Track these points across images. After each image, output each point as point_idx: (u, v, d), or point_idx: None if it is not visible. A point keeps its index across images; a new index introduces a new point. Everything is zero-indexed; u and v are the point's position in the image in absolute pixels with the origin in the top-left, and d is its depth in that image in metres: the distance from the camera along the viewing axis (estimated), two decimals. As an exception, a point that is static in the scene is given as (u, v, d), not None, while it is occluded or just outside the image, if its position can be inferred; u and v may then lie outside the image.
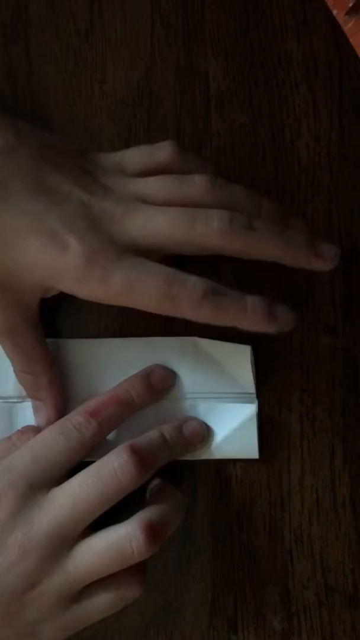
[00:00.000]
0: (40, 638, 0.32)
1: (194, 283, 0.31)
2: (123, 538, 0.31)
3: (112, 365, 0.37)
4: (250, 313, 0.32)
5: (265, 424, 0.38)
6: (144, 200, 0.33)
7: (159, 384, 0.36)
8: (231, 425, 0.36)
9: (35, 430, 0.35)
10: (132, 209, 0.32)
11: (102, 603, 0.32)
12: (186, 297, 0.31)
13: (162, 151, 0.34)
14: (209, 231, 0.32)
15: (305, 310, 0.38)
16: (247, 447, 0.37)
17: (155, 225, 0.32)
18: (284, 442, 0.38)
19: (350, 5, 0.37)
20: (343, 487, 0.37)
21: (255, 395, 0.37)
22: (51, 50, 0.39)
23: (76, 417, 0.33)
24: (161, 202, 0.33)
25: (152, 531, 0.31)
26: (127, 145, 0.38)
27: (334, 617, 0.37)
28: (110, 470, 0.32)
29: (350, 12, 0.38)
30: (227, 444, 0.36)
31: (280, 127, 0.38)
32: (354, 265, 0.38)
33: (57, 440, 0.33)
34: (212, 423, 0.37)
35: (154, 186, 0.33)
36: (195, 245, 0.32)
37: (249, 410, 0.37)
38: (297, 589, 0.37)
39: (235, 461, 0.37)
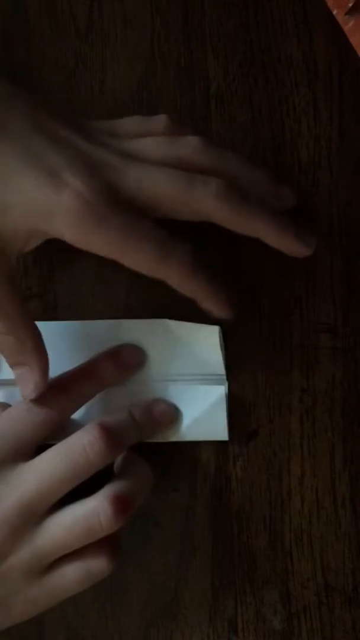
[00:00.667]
0: (10, 612, 0.32)
1: (187, 250, 0.32)
2: (91, 511, 0.31)
3: (83, 346, 0.37)
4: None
5: (265, 424, 0.38)
6: (140, 158, 0.32)
7: (129, 360, 0.37)
8: (201, 407, 0.37)
9: (3, 406, 0.35)
10: (130, 162, 0.32)
11: (70, 576, 0.32)
12: (178, 263, 0.32)
13: (157, 122, 0.34)
14: (206, 194, 0.32)
15: (305, 310, 0.38)
16: (217, 428, 0.37)
17: (154, 181, 0.32)
18: (284, 442, 0.38)
19: (351, 5, 0.37)
20: (343, 487, 0.37)
21: (225, 377, 0.37)
22: (51, 50, 0.39)
23: (44, 394, 0.33)
24: (156, 160, 0.33)
25: (120, 503, 0.31)
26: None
27: (334, 617, 0.37)
28: (80, 447, 0.32)
29: (351, 12, 0.38)
30: (197, 426, 0.37)
31: (280, 127, 0.38)
32: (354, 265, 0.38)
33: (24, 415, 0.33)
34: (182, 405, 0.37)
35: (149, 145, 0.33)
36: (189, 208, 0.32)
37: (219, 391, 0.37)
38: (297, 589, 0.37)
39: (235, 461, 0.37)
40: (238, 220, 0.33)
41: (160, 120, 0.34)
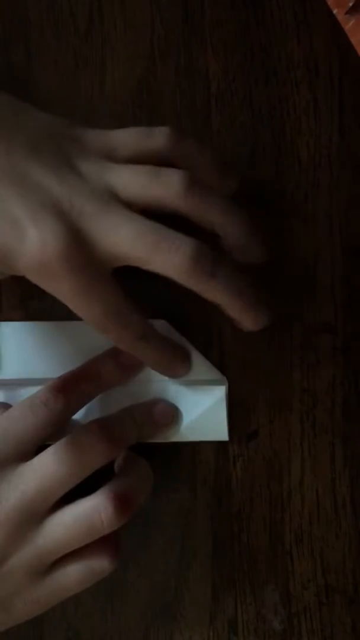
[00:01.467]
0: (12, 612, 0.32)
1: (139, 320, 0.33)
2: (92, 510, 0.31)
3: (83, 346, 0.37)
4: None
5: (266, 423, 0.37)
6: (117, 195, 0.32)
7: (129, 361, 0.36)
8: (201, 408, 0.37)
9: (4, 406, 0.35)
10: (103, 210, 0.31)
11: (72, 576, 0.32)
12: (129, 329, 0.33)
13: (158, 138, 0.34)
14: (173, 258, 0.31)
15: (305, 310, 0.38)
16: (217, 429, 0.37)
17: (120, 238, 0.31)
18: (284, 443, 0.37)
19: (351, 4, 0.37)
20: (343, 487, 0.37)
21: (225, 378, 0.37)
22: (51, 50, 0.39)
23: (44, 394, 0.34)
24: (133, 199, 0.32)
25: (121, 501, 0.32)
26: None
27: (334, 618, 0.37)
28: (80, 445, 0.32)
29: (351, 11, 0.38)
30: (197, 426, 0.37)
31: (280, 127, 0.38)
32: (354, 265, 0.38)
33: (25, 416, 0.33)
34: (182, 405, 0.37)
35: (129, 181, 0.32)
36: (153, 267, 0.32)
37: (219, 392, 0.37)
38: (297, 590, 0.37)
39: (235, 461, 0.37)
40: (203, 288, 0.32)
41: (162, 136, 0.34)
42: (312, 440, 0.37)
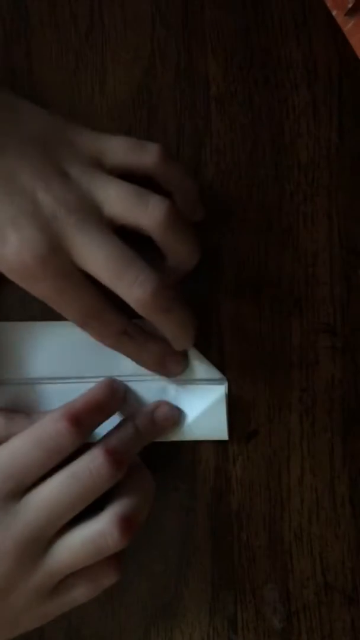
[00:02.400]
0: (18, 626, 0.32)
1: (115, 320, 0.34)
2: (98, 534, 0.32)
3: (83, 345, 0.37)
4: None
5: (265, 423, 0.38)
6: (100, 211, 0.33)
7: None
8: (201, 407, 0.37)
9: (5, 413, 0.35)
10: (81, 223, 0.32)
11: (79, 590, 0.33)
12: (105, 323, 0.34)
13: (148, 155, 0.34)
14: (139, 288, 0.32)
15: (305, 310, 0.38)
16: (217, 428, 0.37)
17: (91, 254, 0.32)
18: (283, 442, 0.38)
19: (350, 6, 0.37)
20: (343, 487, 0.37)
21: (224, 378, 0.37)
22: (51, 50, 0.38)
23: (54, 425, 0.32)
24: (115, 217, 0.33)
25: (127, 524, 0.32)
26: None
27: (334, 616, 0.37)
28: (86, 473, 0.32)
29: (350, 12, 0.38)
30: (197, 426, 0.37)
31: (280, 128, 0.38)
32: (353, 265, 0.38)
33: (31, 450, 0.32)
34: (182, 405, 0.37)
35: (115, 200, 0.33)
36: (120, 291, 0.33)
37: (219, 391, 0.37)
38: (297, 588, 0.37)
39: (235, 461, 0.37)
40: (156, 320, 0.34)
41: (152, 154, 0.34)
42: (312, 439, 0.38)
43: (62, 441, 0.32)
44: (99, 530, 0.32)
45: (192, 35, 0.39)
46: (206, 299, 0.38)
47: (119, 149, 0.34)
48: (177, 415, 0.37)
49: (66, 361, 0.37)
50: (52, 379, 0.37)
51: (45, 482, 0.32)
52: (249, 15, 0.39)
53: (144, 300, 0.32)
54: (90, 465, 0.32)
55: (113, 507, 0.32)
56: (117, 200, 0.33)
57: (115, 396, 0.36)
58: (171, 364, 0.36)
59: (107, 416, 0.35)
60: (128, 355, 0.36)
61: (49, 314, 0.37)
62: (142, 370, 0.37)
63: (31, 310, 0.37)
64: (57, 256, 0.32)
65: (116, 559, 0.33)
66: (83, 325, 0.34)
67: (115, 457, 0.32)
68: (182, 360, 0.37)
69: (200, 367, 0.37)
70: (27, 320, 0.37)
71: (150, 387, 0.37)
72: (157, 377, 0.37)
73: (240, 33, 0.39)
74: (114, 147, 0.35)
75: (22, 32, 0.39)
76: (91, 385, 0.36)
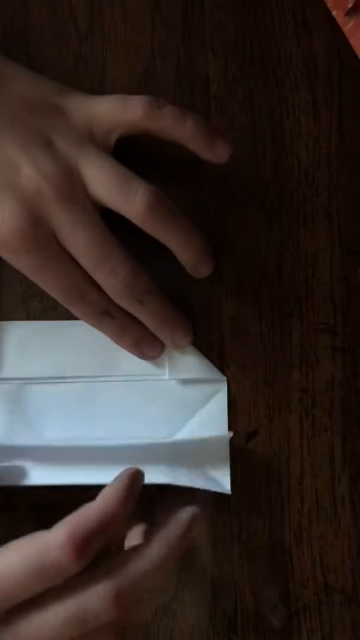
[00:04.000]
0: None
1: (96, 299, 0.34)
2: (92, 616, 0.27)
3: (83, 345, 0.37)
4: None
5: (265, 423, 0.38)
6: (85, 188, 0.33)
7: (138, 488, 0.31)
8: (201, 407, 0.37)
9: None
10: (65, 200, 0.32)
11: None
12: (87, 303, 0.34)
13: (133, 109, 0.34)
14: (108, 287, 0.33)
15: (305, 310, 0.38)
16: (218, 428, 0.37)
17: (73, 234, 0.33)
18: (283, 442, 0.38)
19: (350, 5, 0.37)
20: (343, 487, 0.37)
21: (225, 378, 0.37)
22: (51, 50, 0.38)
23: (58, 554, 0.27)
24: (98, 200, 0.33)
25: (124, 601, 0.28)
26: (127, 145, 0.38)
27: (334, 616, 0.37)
28: (92, 617, 0.27)
29: (350, 12, 0.38)
30: (197, 426, 0.37)
31: (280, 128, 0.38)
32: (353, 265, 0.38)
33: (27, 575, 0.27)
34: (182, 405, 0.37)
35: (98, 180, 0.33)
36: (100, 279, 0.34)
37: (219, 391, 0.37)
38: (297, 588, 0.37)
39: (235, 461, 0.37)
40: (131, 309, 0.35)
41: (137, 106, 0.33)
42: (312, 439, 0.38)
43: (64, 570, 0.27)
44: (95, 610, 0.28)
45: (192, 35, 0.39)
46: (206, 299, 0.37)
47: (106, 111, 0.34)
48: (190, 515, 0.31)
49: (66, 361, 0.37)
50: (52, 379, 0.37)
51: (40, 611, 0.27)
52: (249, 15, 0.39)
53: (119, 289, 0.33)
54: (97, 611, 0.27)
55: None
56: (100, 183, 0.33)
57: (132, 495, 0.29)
58: (147, 349, 0.36)
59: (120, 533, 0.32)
60: (107, 335, 0.36)
61: (49, 314, 0.37)
62: (142, 370, 0.37)
63: (32, 310, 0.37)
64: (37, 231, 0.32)
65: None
66: (65, 303, 0.34)
67: (126, 602, 0.28)
68: (159, 346, 0.36)
69: (201, 366, 0.37)
70: (28, 320, 0.37)
71: (150, 387, 0.37)
72: (157, 377, 0.37)
73: (240, 33, 0.39)
74: (101, 110, 0.34)
75: (22, 32, 0.39)
76: (91, 385, 0.36)
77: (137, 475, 0.30)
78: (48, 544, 0.27)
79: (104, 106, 0.34)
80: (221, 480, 0.36)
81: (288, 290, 0.38)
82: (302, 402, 0.38)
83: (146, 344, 0.36)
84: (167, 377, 0.37)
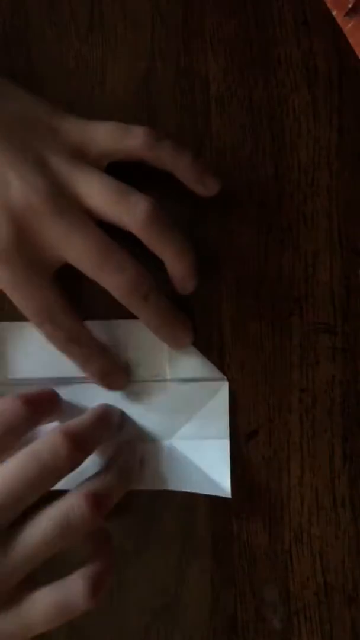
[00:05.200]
0: None
1: (67, 323, 0.34)
2: (72, 594, 0.32)
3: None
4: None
5: (265, 423, 0.38)
6: (79, 202, 0.33)
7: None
8: (201, 407, 0.37)
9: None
10: (56, 212, 0.32)
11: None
12: (56, 326, 0.34)
13: (135, 139, 0.34)
14: (117, 279, 0.33)
15: (305, 310, 0.38)
16: (218, 428, 0.37)
17: (68, 244, 0.33)
18: (283, 442, 0.38)
19: (350, 6, 0.37)
20: (343, 487, 0.37)
21: (225, 378, 0.37)
22: (51, 50, 0.38)
23: (53, 447, 0.32)
24: (95, 211, 0.33)
25: (99, 584, 0.32)
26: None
27: (334, 616, 0.37)
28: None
29: (350, 12, 0.38)
30: (198, 426, 0.37)
31: (280, 128, 0.38)
32: (354, 265, 0.38)
33: (29, 467, 0.32)
34: (182, 405, 0.37)
35: (96, 194, 0.33)
36: (99, 280, 0.34)
37: (219, 392, 0.37)
38: (297, 589, 0.37)
39: (235, 461, 0.37)
40: (135, 308, 0.35)
41: (138, 136, 0.34)
42: (312, 439, 0.38)
43: (61, 460, 0.32)
44: (72, 591, 0.32)
45: (192, 35, 0.39)
46: (206, 299, 0.38)
47: (105, 136, 0.34)
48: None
49: (67, 362, 0.37)
50: (53, 380, 0.37)
51: (33, 522, 0.31)
52: (249, 15, 0.39)
53: (124, 289, 0.33)
54: (77, 515, 0.32)
55: (84, 570, 0.32)
56: (98, 196, 0.33)
57: (108, 423, 0.36)
58: (111, 379, 0.36)
59: (104, 440, 0.35)
60: (74, 362, 0.36)
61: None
62: (142, 370, 0.37)
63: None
64: (22, 248, 0.33)
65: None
66: (35, 323, 0.34)
67: (97, 501, 0.32)
68: (123, 379, 0.37)
69: (201, 366, 0.37)
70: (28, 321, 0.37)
71: (150, 388, 0.37)
72: (157, 377, 0.37)
73: (240, 32, 0.39)
74: (100, 134, 0.34)
75: (22, 32, 0.39)
76: (91, 385, 0.36)
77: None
78: (43, 443, 0.32)
79: (102, 131, 0.34)
80: (221, 484, 0.36)
81: (288, 290, 0.38)
82: (302, 402, 0.38)
83: (110, 377, 0.36)
84: (168, 377, 0.37)
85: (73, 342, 0.35)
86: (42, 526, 0.31)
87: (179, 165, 0.35)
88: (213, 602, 0.37)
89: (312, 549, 0.37)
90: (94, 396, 0.37)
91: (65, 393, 0.37)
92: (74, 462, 0.32)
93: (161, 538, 0.37)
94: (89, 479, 0.34)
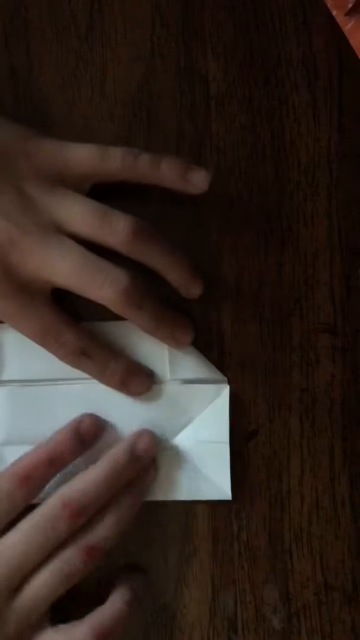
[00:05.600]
0: None
1: (73, 337, 0.34)
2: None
3: None
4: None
5: (266, 423, 0.38)
6: (61, 227, 0.33)
7: (89, 434, 0.36)
8: (202, 408, 0.37)
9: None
10: (40, 242, 0.33)
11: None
12: (62, 347, 0.35)
13: (112, 161, 0.34)
14: (106, 293, 0.33)
15: (305, 310, 0.38)
16: (218, 429, 0.37)
17: (55, 268, 0.33)
18: (283, 442, 0.38)
19: (350, 6, 0.37)
20: (343, 487, 0.37)
21: (225, 378, 0.37)
22: (51, 50, 0.39)
23: (6, 485, 0.34)
24: (77, 234, 0.33)
25: (104, 636, 0.33)
26: (127, 145, 0.38)
27: (334, 617, 0.37)
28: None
29: (350, 13, 0.38)
30: (198, 427, 0.37)
31: (280, 128, 0.38)
32: (354, 265, 0.38)
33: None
34: (183, 406, 0.37)
35: (77, 218, 0.33)
36: (88, 296, 0.34)
37: (220, 392, 0.37)
38: (297, 589, 0.37)
39: (235, 461, 0.37)
40: (131, 317, 0.34)
41: (115, 158, 0.34)
42: (312, 439, 0.38)
43: (13, 498, 0.34)
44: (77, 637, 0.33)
45: (192, 35, 0.39)
46: (206, 299, 0.37)
47: (83, 159, 0.34)
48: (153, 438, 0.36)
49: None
50: (52, 380, 0.37)
51: (36, 576, 0.33)
52: (249, 15, 0.39)
53: (116, 299, 0.33)
54: (76, 564, 0.33)
55: (93, 616, 0.33)
56: (80, 221, 0.33)
57: (75, 444, 0.35)
58: (134, 384, 0.36)
59: (64, 465, 0.35)
60: (90, 375, 0.36)
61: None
62: None
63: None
64: (11, 278, 0.33)
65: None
66: (41, 344, 0.34)
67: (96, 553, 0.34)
68: (146, 381, 0.36)
69: (203, 367, 0.37)
70: None
71: (151, 389, 0.37)
72: (158, 378, 0.37)
73: (240, 33, 0.39)
74: (77, 157, 0.34)
75: (22, 32, 0.39)
76: (91, 386, 0.36)
77: (85, 417, 0.36)
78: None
79: (78, 154, 0.34)
80: (223, 487, 0.36)
81: (288, 290, 0.38)
82: (302, 402, 0.38)
83: (131, 379, 0.36)
84: (168, 378, 0.37)
85: (83, 356, 0.35)
86: (46, 582, 0.33)
87: (160, 174, 0.35)
88: (213, 602, 0.37)
89: (312, 549, 0.37)
90: (92, 396, 0.37)
91: (63, 394, 0.37)
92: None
93: (161, 538, 0.37)
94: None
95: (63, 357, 0.35)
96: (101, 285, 0.33)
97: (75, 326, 0.35)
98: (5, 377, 0.37)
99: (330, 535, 0.37)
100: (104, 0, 0.39)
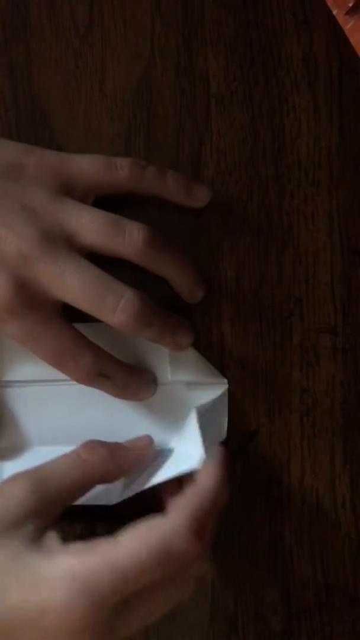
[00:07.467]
0: None
1: (89, 357, 0.33)
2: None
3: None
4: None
5: (266, 423, 0.38)
6: (71, 239, 0.33)
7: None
8: (202, 408, 0.36)
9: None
10: (49, 255, 0.32)
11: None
12: (78, 365, 0.33)
13: (119, 172, 0.34)
14: (114, 311, 0.32)
15: (305, 310, 0.38)
16: (218, 429, 0.37)
17: (65, 284, 0.32)
18: (284, 442, 0.38)
19: (350, 5, 0.37)
20: (343, 487, 0.37)
21: (225, 379, 0.37)
22: (51, 50, 0.39)
23: (184, 547, 0.28)
24: (89, 246, 0.33)
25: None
26: (127, 145, 0.38)
27: (334, 617, 0.37)
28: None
29: (350, 12, 0.38)
30: (199, 427, 0.36)
31: (280, 127, 0.38)
32: (354, 265, 0.38)
33: (153, 571, 0.28)
34: (183, 406, 0.37)
35: (88, 229, 0.33)
36: (98, 315, 0.33)
37: (219, 392, 0.37)
38: (297, 589, 0.37)
39: (235, 461, 0.37)
40: (141, 334, 0.34)
41: (123, 169, 0.34)
42: (312, 440, 0.38)
43: (191, 562, 0.29)
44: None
45: (192, 35, 0.39)
46: (206, 299, 0.37)
47: (89, 171, 0.34)
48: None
49: None
50: (51, 381, 0.37)
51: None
52: (249, 14, 0.39)
53: (127, 322, 0.32)
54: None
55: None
56: (90, 232, 0.33)
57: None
58: (143, 393, 0.36)
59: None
60: (109, 394, 0.35)
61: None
62: None
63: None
64: (24, 297, 0.32)
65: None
66: (57, 367, 0.33)
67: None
68: (154, 388, 0.37)
69: (202, 368, 0.37)
70: None
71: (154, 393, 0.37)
72: (158, 380, 0.37)
73: (240, 32, 0.38)
74: (83, 169, 0.34)
75: (22, 32, 0.39)
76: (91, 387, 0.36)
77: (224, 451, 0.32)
78: (172, 534, 0.28)
79: (84, 165, 0.34)
80: (193, 455, 0.33)
81: (288, 290, 0.38)
82: (302, 402, 0.38)
83: (142, 390, 0.36)
84: (169, 379, 0.37)
85: (101, 377, 0.34)
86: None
87: (165, 188, 0.35)
88: (213, 603, 0.37)
89: (312, 550, 0.37)
90: (92, 397, 0.36)
91: (63, 394, 0.37)
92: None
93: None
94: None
95: (81, 379, 0.34)
96: (113, 309, 0.32)
97: (91, 346, 0.34)
98: (5, 377, 0.37)
99: (330, 536, 0.37)
100: (104, 0, 0.39)
